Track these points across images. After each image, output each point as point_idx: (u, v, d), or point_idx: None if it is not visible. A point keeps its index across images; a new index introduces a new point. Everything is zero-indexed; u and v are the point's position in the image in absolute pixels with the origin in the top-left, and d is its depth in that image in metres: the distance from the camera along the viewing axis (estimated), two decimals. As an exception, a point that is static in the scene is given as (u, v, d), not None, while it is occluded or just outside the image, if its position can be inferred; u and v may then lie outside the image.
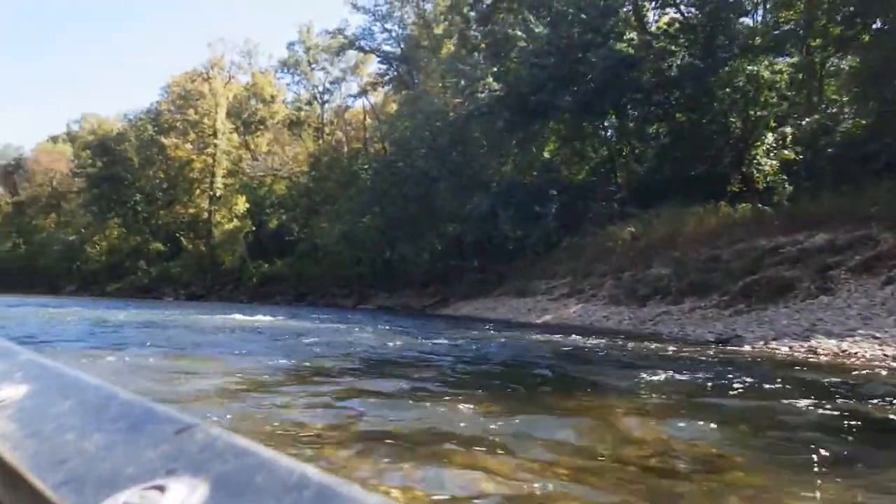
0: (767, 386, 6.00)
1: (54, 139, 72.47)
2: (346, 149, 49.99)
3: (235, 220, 47.87)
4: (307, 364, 6.99)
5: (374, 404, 4.54)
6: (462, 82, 29.25)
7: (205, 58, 55.90)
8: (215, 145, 50.11)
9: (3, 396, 0.59)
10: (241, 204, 47.50)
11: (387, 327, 13.84)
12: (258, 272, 45.34)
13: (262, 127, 56.21)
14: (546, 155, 28.58)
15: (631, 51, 24.29)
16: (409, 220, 27.77)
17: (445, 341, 10.51)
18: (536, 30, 25.77)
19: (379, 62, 37.55)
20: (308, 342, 9.67)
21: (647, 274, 17.36)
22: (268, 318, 14.80)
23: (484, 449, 3.25)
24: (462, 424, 3.81)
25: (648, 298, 16.39)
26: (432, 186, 27.63)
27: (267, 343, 9.82)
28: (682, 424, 3.97)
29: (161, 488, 0.40)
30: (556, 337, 11.83)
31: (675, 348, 9.81)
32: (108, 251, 57.43)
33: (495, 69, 27.25)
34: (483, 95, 26.72)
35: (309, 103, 58.11)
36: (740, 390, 5.66)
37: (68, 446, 0.49)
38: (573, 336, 11.83)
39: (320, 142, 53.57)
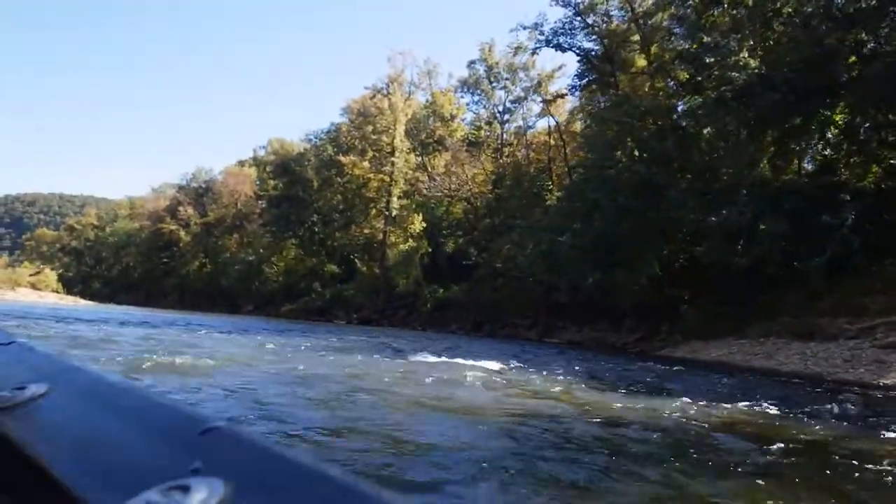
0: None
1: (241, 163, 75.28)
2: (531, 168, 45.63)
3: (411, 240, 44.95)
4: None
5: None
6: (705, 60, 23.31)
7: (384, 73, 54.73)
8: (392, 163, 47.93)
9: (28, 396, 0.59)
10: (418, 223, 44.53)
11: (679, 387, 8.93)
12: (433, 297, 41.84)
13: (439, 147, 53.75)
14: (825, 151, 21.77)
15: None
16: (623, 237, 22.17)
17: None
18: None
19: (578, 61, 32.75)
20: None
21: None
22: (495, 364, 10.04)
23: None
24: None
25: None
26: (655, 196, 21.89)
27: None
28: None
29: (185, 488, 0.40)
30: None
31: None
32: (284, 272, 57.47)
33: (750, 43, 21.23)
34: (738, 75, 20.74)
35: (489, 123, 55.05)
36: None
37: (93, 445, 0.49)
38: None
39: (500, 161, 49.89)
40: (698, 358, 15.88)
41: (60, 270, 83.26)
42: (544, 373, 9.28)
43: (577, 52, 32.92)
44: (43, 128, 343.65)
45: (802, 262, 17.90)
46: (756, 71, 20.40)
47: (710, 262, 21.36)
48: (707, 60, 23.27)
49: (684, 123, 24.78)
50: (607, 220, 23.31)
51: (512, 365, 10.27)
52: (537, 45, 35.00)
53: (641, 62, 32.21)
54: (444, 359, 10.31)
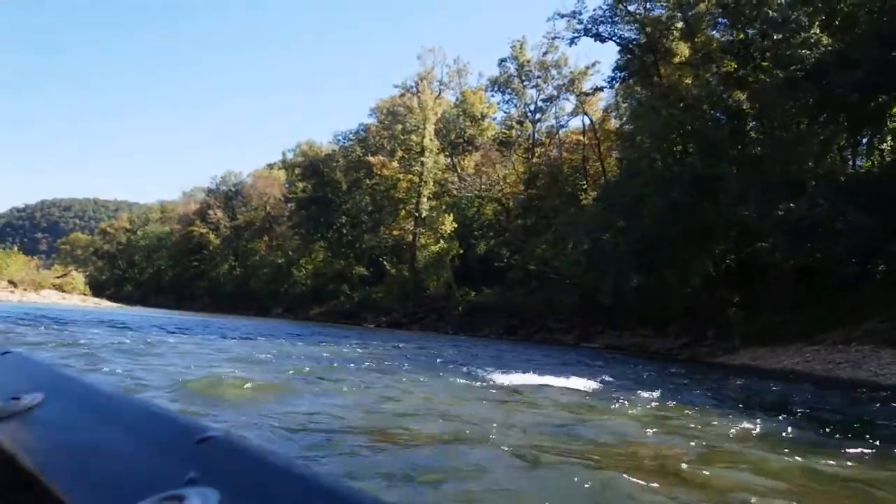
0: None
1: (270, 166, 75.02)
2: (564, 168, 44.20)
3: (441, 241, 43.76)
4: None
5: None
6: (762, 43, 21.64)
7: (414, 72, 53.86)
8: (422, 163, 46.87)
9: (23, 406, 0.59)
10: (449, 224, 43.34)
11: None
12: (464, 300, 40.59)
13: (469, 147, 52.59)
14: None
15: None
16: (674, 236, 20.52)
17: None
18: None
19: (618, 51, 31.22)
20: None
21: None
22: (584, 383, 8.18)
23: None
24: None
25: None
26: (709, 191, 20.25)
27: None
28: None
29: (181, 497, 0.39)
30: None
31: None
32: (312, 274, 56.89)
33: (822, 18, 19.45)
34: (808, 53, 18.96)
35: (520, 122, 53.73)
36: None
37: (88, 455, 0.49)
38: None
39: (532, 161, 48.57)
40: (765, 366, 14.38)
41: (92, 273, 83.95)
42: (650, 393, 7.62)
43: (618, 41, 31.40)
44: (78, 133, 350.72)
45: (888, 260, 16.07)
46: (829, 48, 18.55)
47: (769, 263, 19.72)
48: (765, 42, 21.52)
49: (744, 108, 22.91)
50: (657, 218, 21.71)
51: (602, 384, 8.43)
52: (575, 35, 33.57)
53: (685, 51, 30.59)
54: (516, 377, 8.36)
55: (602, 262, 23.51)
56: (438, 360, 11.16)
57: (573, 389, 7.44)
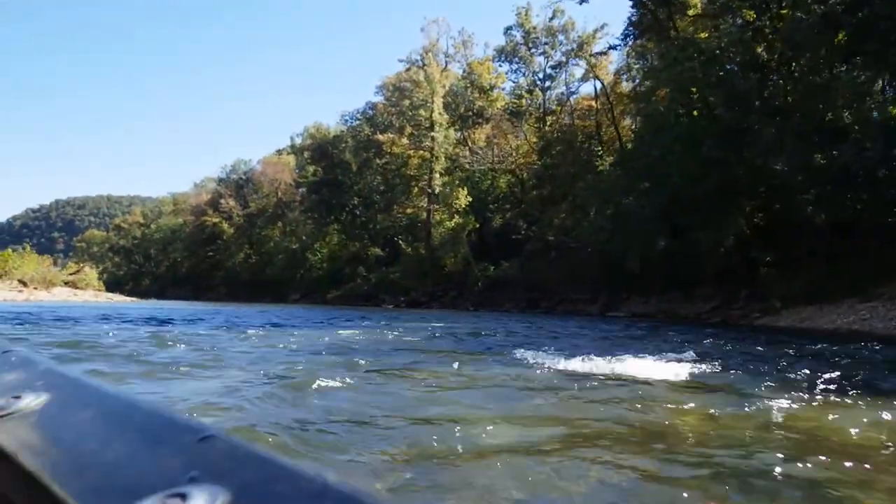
0: None
1: (279, 151, 74.34)
2: (578, 135, 43.05)
3: (456, 216, 42.91)
4: None
5: None
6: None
7: (418, 46, 52.68)
8: (432, 138, 45.91)
9: (24, 405, 0.59)
10: (463, 198, 42.47)
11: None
12: (483, 275, 39.85)
13: (479, 120, 51.50)
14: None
15: None
16: (705, 194, 19.43)
17: None
18: None
19: (631, 5, 29.86)
20: None
21: None
22: (672, 367, 6.28)
23: None
24: None
25: None
26: (739, 144, 19.14)
27: None
28: None
29: (183, 496, 0.40)
30: None
31: None
32: (328, 258, 56.40)
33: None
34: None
35: (529, 91, 52.44)
36: None
37: (89, 455, 0.49)
38: None
39: (544, 130, 47.44)
40: (817, 327, 13.45)
41: (109, 269, 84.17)
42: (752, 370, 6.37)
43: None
44: (88, 132, 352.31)
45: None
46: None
47: (802, 218, 18.71)
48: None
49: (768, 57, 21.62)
50: (686, 175, 20.60)
51: (690, 364, 6.66)
52: (585, -5, 32.16)
53: (697, 2, 29.30)
54: (570, 361, 6.59)
55: (627, 226, 22.49)
56: (471, 340, 10.28)
57: (671, 381, 5.64)
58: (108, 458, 0.48)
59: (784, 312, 17.11)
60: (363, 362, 6.44)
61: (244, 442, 0.45)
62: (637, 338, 11.46)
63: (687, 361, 6.85)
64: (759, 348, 9.11)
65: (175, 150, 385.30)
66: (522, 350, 7.74)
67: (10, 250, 35.28)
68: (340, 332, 11.18)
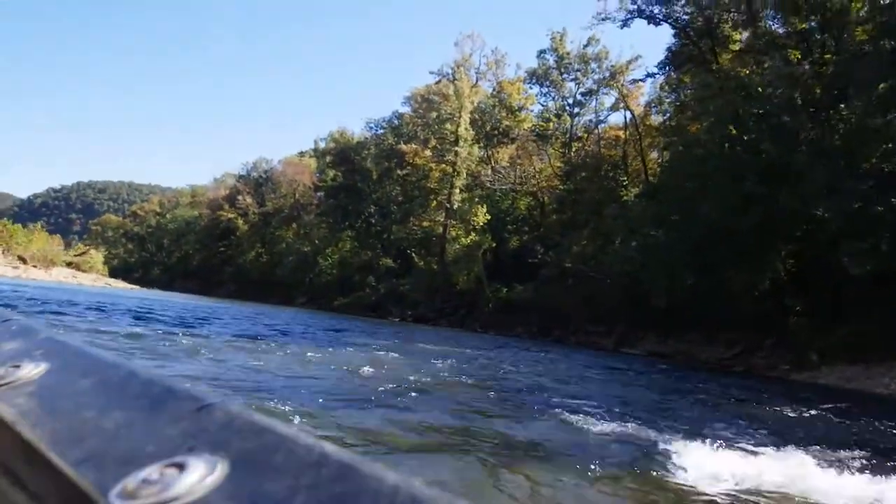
0: None
1: (301, 154, 74.07)
2: (605, 164, 42.23)
3: (473, 234, 41.97)
4: None
5: None
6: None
7: (450, 59, 52.14)
8: (456, 153, 45.19)
9: (22, 374, 0.59)
10: (482, 216, 41.56)
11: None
12: (495, 297, 38.79)
13: (504, 139, 50.88)
14: None
15: None
16: (742, 232, 18.32)
17: None
18: None
19: (673, 35, 29.08)
20: None
21: None
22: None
23: None
24: None
25: None
26: (783, 182, 18.05)
27: None
28: None
29: (181, 465, 0.40)
30: None
31: None
32: (339, 264, 55.66)
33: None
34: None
35: (558, 116, 51.80)
36: None
37: (88, 424, 0.49)
38: None
39: (569, 155, 46.77)
40: (867, 389, 12.14)
41: (121, 255, 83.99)
42: None
43: (673, 24, 29.25)
44: (116, 117, 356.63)
45: None
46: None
47: (840, 266, 17.54)
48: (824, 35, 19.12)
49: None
50: (724, 210, 19.48)
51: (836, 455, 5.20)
52: (628, 17, 31.38)
53: (738, 38, 28.45)
54: (622, 424, 5.42)
55: (655, 259, 21.36)
56: (485, 368, 9.08)
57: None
58: (106, 427, 0.48)
59: (824, 369, 15.81)
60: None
61: (244, 410, 0.45)
62: (732, 399, 9.50)
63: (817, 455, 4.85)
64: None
65: (200, 144, 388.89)
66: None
67: (18, 226, 34.71)
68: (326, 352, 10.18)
